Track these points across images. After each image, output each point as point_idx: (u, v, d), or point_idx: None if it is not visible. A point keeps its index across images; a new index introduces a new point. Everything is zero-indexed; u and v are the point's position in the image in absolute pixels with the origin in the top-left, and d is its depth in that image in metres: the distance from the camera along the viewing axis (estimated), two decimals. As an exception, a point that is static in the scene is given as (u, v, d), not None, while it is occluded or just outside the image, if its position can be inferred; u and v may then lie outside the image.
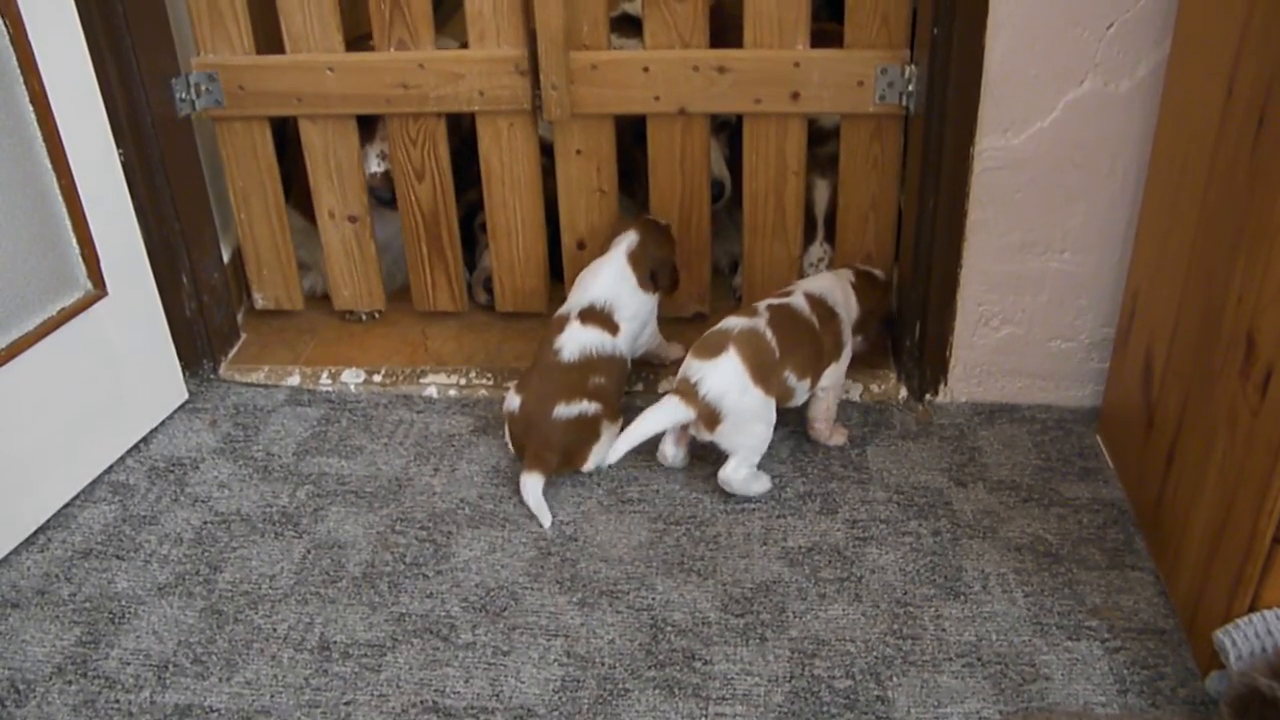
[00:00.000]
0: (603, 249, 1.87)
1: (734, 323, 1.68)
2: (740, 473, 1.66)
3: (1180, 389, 1.47)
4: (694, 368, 1.64)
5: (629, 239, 1.84)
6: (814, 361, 1.72)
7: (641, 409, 1.64)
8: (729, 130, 2.09)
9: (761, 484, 1.69)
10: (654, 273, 1.84)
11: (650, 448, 1.78)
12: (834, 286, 1.81)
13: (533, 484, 1.68)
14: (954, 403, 1.90)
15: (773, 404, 1.66)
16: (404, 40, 1.90)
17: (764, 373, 1.64)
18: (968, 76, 1.63)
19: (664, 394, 1.90)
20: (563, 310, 1.82)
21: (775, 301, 1.73)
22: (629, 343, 1.82)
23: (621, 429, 1.68)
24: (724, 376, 1.62)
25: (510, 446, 1.78)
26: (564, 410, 1.70)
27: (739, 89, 1.85)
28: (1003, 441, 1.81)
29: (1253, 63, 1.28)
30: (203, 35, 1.91)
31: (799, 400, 1.73)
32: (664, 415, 1.64)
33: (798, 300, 1.74)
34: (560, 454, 1.70)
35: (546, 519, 1.66)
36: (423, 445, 1.85)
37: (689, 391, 1.62)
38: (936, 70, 1.67)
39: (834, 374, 1.77)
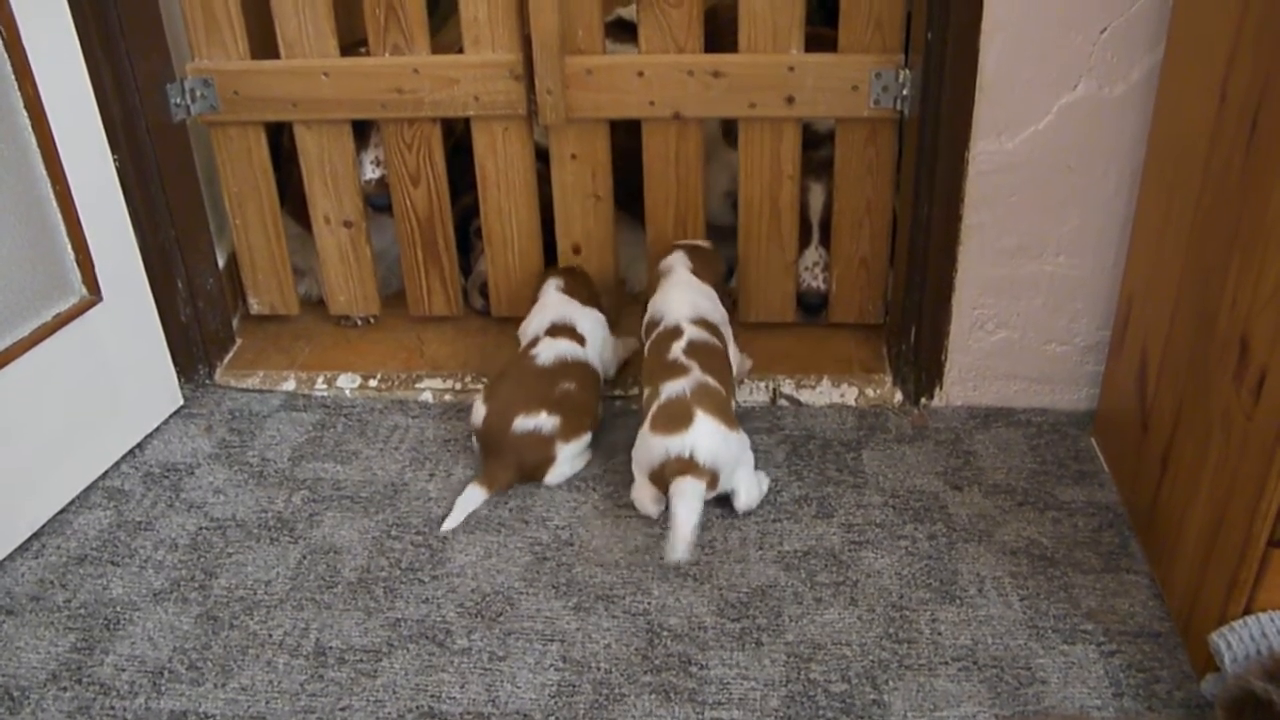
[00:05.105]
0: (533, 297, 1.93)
1: (680, 386, 1.64)
2: (753, 494, 1.66)
3: (1175, 392, 1.48)
4: (676, 444, 1.58)
5: (555, 281, 1.92)
6: (730, 369, 1.77)
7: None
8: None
9: (765, 481, 1.71)
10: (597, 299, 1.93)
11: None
12: (696, 292, 1.83)
13: (472, 494, 1.68)
14: (949, 406, 1.90)
15: (741, 429, 1.66)
16: (399, 45, 1.90)
17: (726, 414, 1.64)
18: (962, 80, 1.63)
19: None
20: (531, 331, 1.84)
21: (684, 344, 1.71)
22: (597, 354, 1.84)
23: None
24: (708, 439, 1.58)
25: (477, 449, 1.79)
26: (523, 423, 1.69)
27: (733, 94, 1.86)
28: (998, 445, 1.81)
29: (1246, 67, 1.28)
30: (198, 40, 1.91)
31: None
32: (696, 502, 1.56)
33: (696, 333, 1.73)
34: (515, 470, 1.71)
35: (451, 524, 1.66)
36: (418, 450, 1.84)
37: (689, 466, 1.57)
38: (931, 74, 1.67)
39: (732, 352, 1.82)
